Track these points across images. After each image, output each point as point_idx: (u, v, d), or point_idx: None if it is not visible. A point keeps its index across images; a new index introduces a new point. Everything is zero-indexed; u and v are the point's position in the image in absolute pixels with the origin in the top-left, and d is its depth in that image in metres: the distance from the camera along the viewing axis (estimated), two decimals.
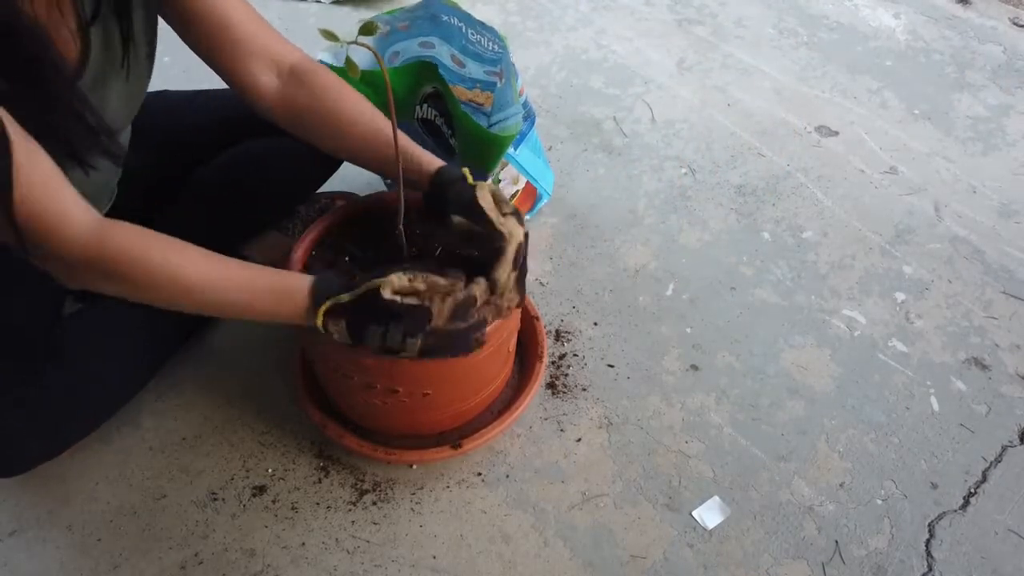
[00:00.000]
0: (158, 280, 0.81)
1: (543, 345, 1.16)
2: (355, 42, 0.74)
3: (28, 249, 0.75)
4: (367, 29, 0.76)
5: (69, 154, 0.80)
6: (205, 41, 0.92)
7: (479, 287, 0.85)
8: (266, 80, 0.95)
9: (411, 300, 0.82)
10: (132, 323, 1.09)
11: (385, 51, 1.30)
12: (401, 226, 0.95)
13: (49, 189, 0.74)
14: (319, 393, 1.10)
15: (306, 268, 1.01)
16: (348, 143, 0.97)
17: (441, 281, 0.83)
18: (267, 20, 0.96)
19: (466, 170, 0.94)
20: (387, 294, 0.81)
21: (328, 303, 0.83)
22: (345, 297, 0.82)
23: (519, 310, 0.97)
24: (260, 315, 0.85)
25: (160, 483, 1.07)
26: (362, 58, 1.13)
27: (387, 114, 0.87)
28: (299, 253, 1.00)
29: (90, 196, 1.01)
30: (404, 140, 0.93)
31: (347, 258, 1.03)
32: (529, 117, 1.35)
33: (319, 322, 0.83)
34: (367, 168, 1.03)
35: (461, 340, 0.86)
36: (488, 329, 0.90)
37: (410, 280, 0.83)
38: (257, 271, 0.86)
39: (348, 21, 1.99)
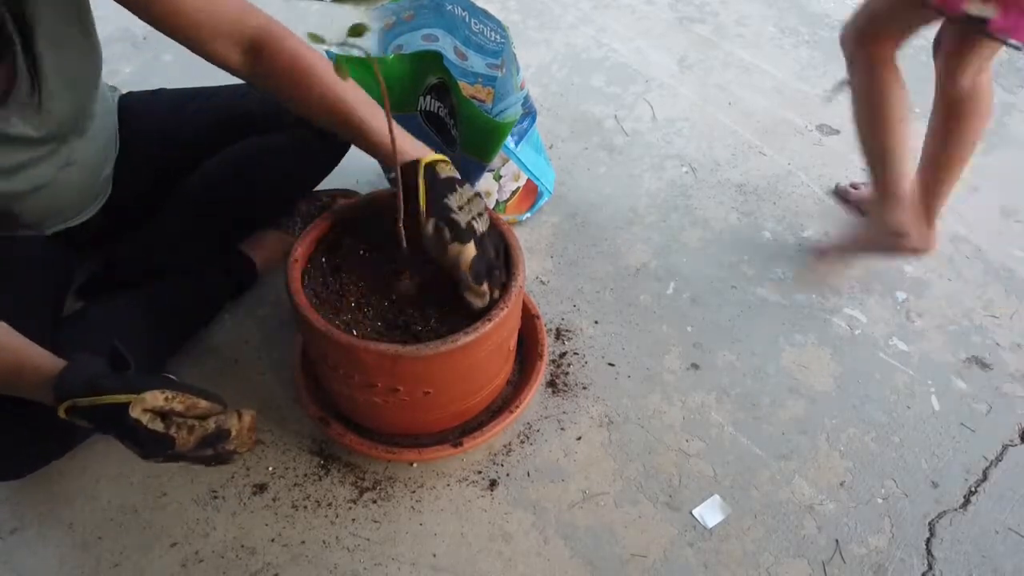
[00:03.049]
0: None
1: (543, 343, 1.16)
2: (344, 44, 0.74)
3: None
4: (355, 31, 0.76)
5: None
6: (163, 26, 0.90)
7: (237, 420, 0.82)
8: (232, 58, 0.93)
9: (158, 426, 0.76)
10: (132, 323, 1.09)
11: (389, 43, 1.30)
12: (401, 224, 0.95)
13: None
14: (320, 392, 1.10)
15: (308, 264, 1.02)
16: (314, 114, 0.96)
17: (201, 403, 0.79)
18: None
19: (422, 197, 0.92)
20: (135, 413, 0.75)
21: (68, 403, 0.77)
22: (84, 402, 0.76)
23: (517, 312, 0.97)
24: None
25: (161, 481, 1.07)
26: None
27: (381, 104, 0.86)
28: (300, 251, 1.00)
29: (73, 194, 1.02)
30: (385, 126, 0.91)
31: (362, 251, 1.03)
32: (531, 113, 1.35)
33: (61, 415, 0.78)
34: (335, 134, 1.00)
35: (203, 460, 0.82)
36: (487, 329, 0.91)
37: (166, 400, 0.77)
38: (9, 340, 0.82)
39: (350, 19, 1.98)
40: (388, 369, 0.92)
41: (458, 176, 0.95)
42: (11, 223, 1.00)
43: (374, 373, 0.93)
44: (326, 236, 1.05)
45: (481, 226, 0.93)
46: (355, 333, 0.93)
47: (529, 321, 1.17)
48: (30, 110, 0.91)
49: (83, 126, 1.02)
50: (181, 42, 0.91)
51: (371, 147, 0.96)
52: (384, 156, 0.96)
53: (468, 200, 0.93)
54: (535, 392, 1.11)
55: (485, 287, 0.92)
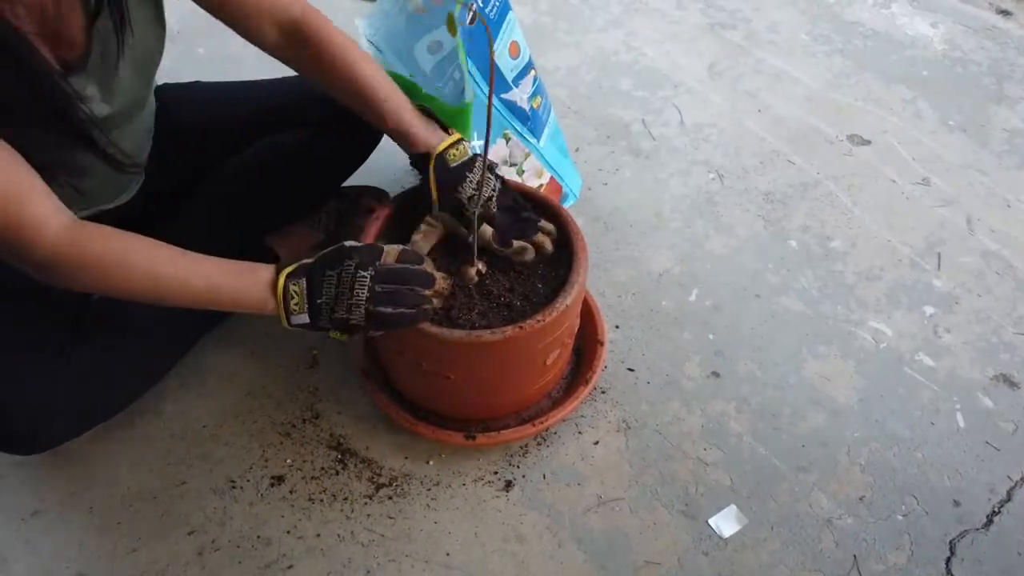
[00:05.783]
0: (134, 276, 0.86)
1: (595, 371, 1.13)
2: (465, 3, 0.77)
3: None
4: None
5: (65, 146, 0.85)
6: (208, 3, 0.96)
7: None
8: (271, 38, 0.99)
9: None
10: (154, 315, 1.10)
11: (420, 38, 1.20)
12: (476, 214, 0.96)
13: (19, 195, 0.78)
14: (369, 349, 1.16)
15: (396, 220, 1.07)
16: (340, 97, 1.02)
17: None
18: None
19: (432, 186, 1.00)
20: (348, 243, 0.90)
21: (292, 266, 0.89)
22: (309, 260, 0.89)
23: (555, 330, 0.97)
24: (224, 294, 0.89)
25: (180, 469, 1.08)
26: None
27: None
28: (387, 210, 1.06)
29: (110, 182, 1.04)
30: (402, 112, 0.99)
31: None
32: (544, 104, 1.31)
33: (280, 284, 0.87)
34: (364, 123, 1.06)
35: (407, 296, 0.88)
36: (511, 333, 0.91)
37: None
38: (225, 261, 0.91)
39: (350, 11, 1.99)
40: (412, 343, 0.95)
41: (469, 156, 1.00)
42: None
43: (401, 341, 0.97)
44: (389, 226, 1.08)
45: (493, 200, 1.00)
46: None
47: (591, 345, 1.16)
48: (102, 84, 0.92)
49: (136, 113, 1.03)
50: (222, 18, 0.96)
51: (389, 133, 1.02)
52: (399, 141, 1.02)
53: (478, 183, 0.95)
54: (567, 414, 1.10)
55: (517, 243, 1.01)
